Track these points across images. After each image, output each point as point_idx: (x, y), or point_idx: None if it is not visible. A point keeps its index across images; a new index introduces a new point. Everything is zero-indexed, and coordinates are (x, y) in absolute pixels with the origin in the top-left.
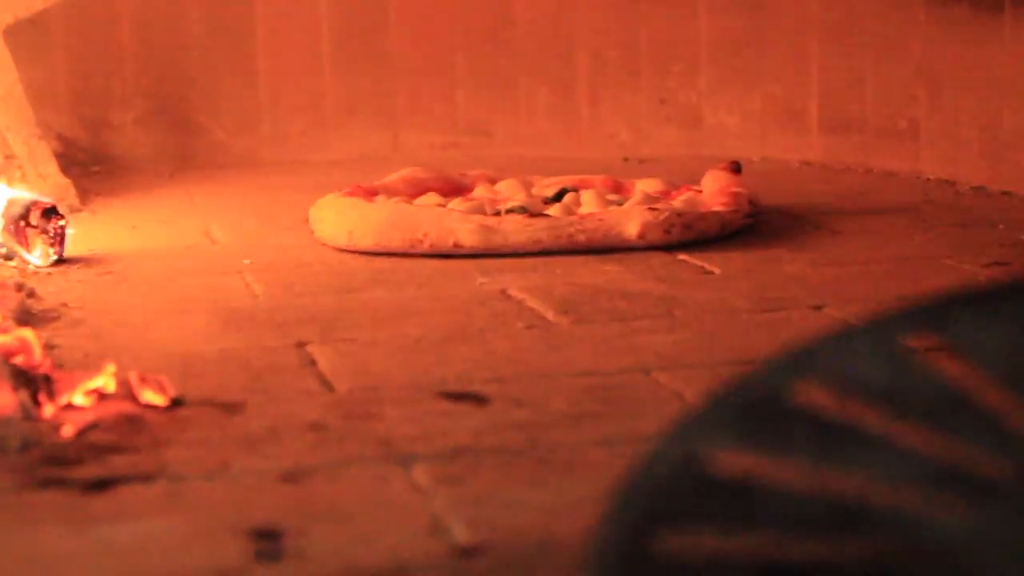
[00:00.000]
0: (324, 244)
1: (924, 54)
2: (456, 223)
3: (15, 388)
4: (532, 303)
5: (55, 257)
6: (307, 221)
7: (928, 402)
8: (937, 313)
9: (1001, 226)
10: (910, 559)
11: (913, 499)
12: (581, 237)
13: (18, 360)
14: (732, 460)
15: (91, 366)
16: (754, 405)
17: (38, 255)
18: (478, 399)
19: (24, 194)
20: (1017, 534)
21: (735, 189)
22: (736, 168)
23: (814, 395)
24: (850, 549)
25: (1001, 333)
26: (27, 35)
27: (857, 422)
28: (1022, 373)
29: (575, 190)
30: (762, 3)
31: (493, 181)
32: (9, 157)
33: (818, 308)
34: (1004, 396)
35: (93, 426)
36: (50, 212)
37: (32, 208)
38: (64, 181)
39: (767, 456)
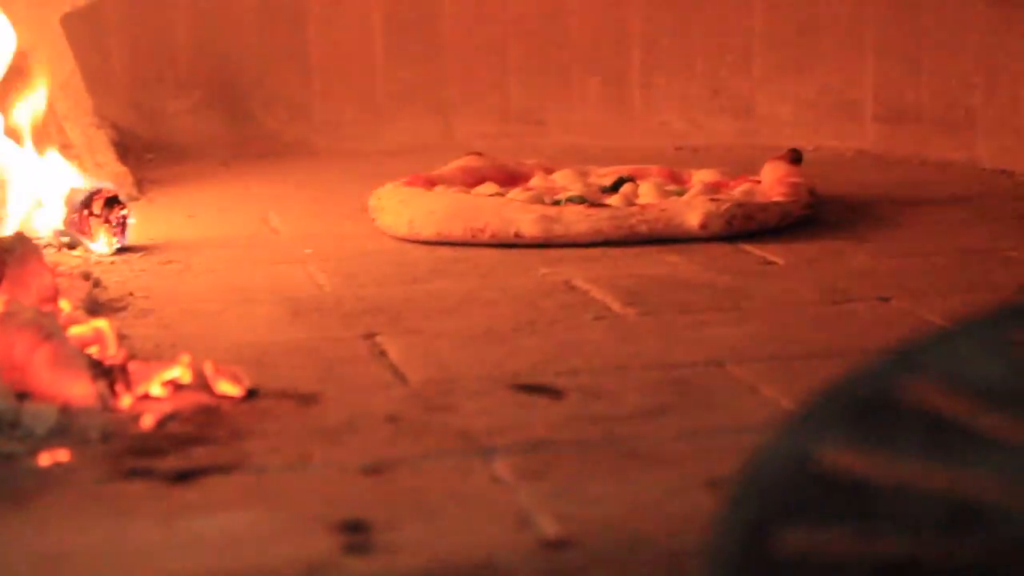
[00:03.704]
0: (384, 233)
1: (981, 43)
2: (517, 213)
3: (93, 379)
4: (597, 294)
5: (118, 246)
6: (365, 210)
7: None
8: None
9: None
10: None
11: None
12: (643, 228)
13: (93, 351)
14: (845, 459)
15: (163, 356)
16: (864, 403)
17: (101, 244)
18: (553, 392)
19: (87, 182)
20: None
21: (794, 179)
22: (795, 158)
23: (924, 393)
24: (968, 549)
25: None
26: (83, 23)
27: (968, 420)
28: None
29: (632, 180)
30: None
31: (549, 170)
32: (66, 146)
33: (885, 300)
34: None
35: (171, 417)
36: (112, 201)
37: (95, 197)
38: (122, 169)
39: (879, 455)
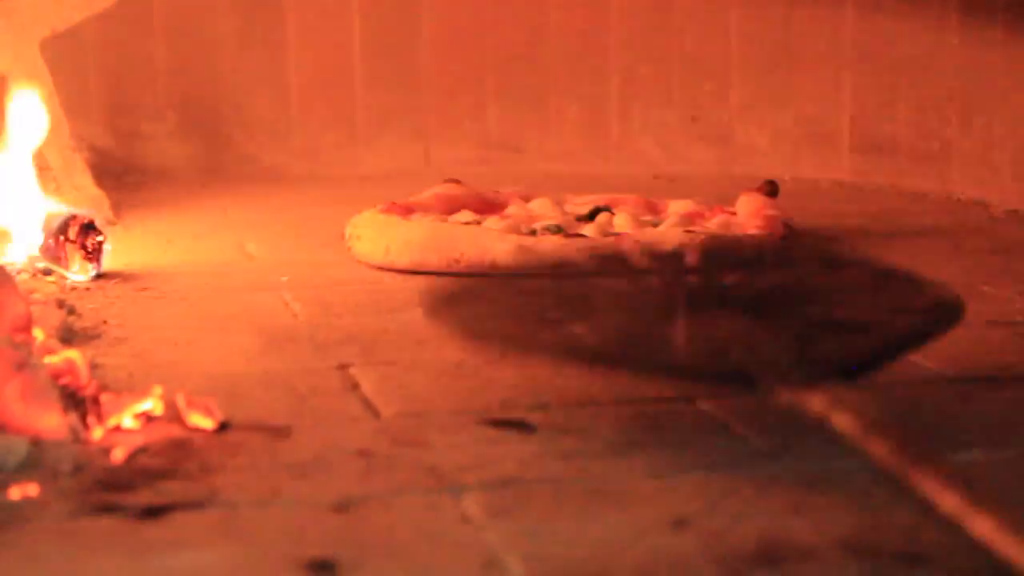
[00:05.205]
0: (360, 261)
1: (957, 76)
2: (493, 242)
3: (65, 411)
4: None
5: (93, 272)
6: (342, 237)
7: None
8: None
9: None
10: None
11: None
12: None
13: (65, 381)
14: None
15: (136, 386)
16: None
17: (76, 270)
18: (524, 426)
19: (63, 208)
20: None
21: (769, 212)
22: (771, 191)
23: None
24: None
25: None
26: (62, 48)
27: None
28: None
29: (608, 209)
30: (794, 22)
31: (526, 199)
32: (43, 169)
33: None
34: None
35: (142, 450)
36: (89, 227)
37: (71, 223)
38: (98, 193)
39: None
